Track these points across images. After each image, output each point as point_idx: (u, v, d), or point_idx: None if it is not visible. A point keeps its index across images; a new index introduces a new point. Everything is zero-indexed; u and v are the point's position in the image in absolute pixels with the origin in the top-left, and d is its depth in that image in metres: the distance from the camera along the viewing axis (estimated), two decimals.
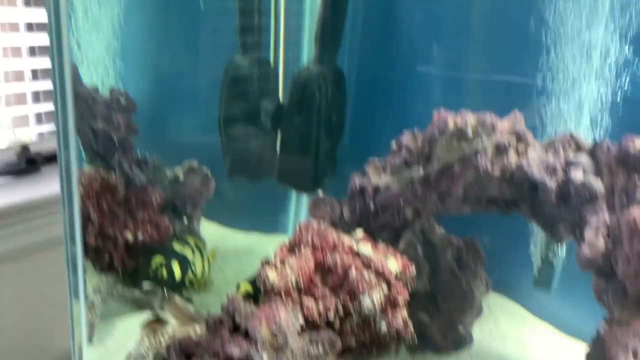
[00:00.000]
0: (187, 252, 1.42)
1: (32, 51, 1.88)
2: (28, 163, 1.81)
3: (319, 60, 1.39)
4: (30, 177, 1.80)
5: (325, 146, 1.44)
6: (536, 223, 1.18)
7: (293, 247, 1.08)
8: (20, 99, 1.89)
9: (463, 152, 1.01)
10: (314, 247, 1.06)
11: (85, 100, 1.41)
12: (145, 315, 1.24)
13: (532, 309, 1.44)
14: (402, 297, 1.05)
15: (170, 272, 1.34)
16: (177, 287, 1.35)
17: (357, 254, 1.07)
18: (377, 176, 1.16)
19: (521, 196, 1.08)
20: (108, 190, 1.36)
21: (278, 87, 1.49)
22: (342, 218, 1.20)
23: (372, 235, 1.17)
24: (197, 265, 1.42)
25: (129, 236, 1.33)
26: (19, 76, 1.88)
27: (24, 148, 1.81)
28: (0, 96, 1.77)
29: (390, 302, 1.04)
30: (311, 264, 1.04)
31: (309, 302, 1.01)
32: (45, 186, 1.75)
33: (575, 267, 1.35)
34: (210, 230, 1.66)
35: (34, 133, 1.95)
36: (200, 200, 1.49)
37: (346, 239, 1.09)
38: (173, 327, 1.08)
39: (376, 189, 1.14)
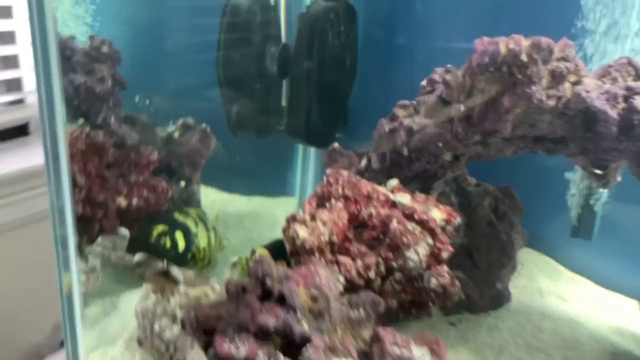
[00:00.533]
0: (190, 224, 1.26)
1: None
2: None
3: None
4: None
5: (339, 94, 1.30)
6: (583, 164, 1.07)
7: (322, 200, 0.94)
8: None
9: (515, 80, 0.88)
10: (345, 199, 0.93)
11: (61, 49, 1.22)
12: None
13: (565, 263, 1.35)
14: (447, 250, 0.93)
15: (174, 242, 1.19)
16: (179, 260, 1.20)
17: (394, 205, 0.94)
18: (409, 118, 1.03)
19: (573, 131, 0.96)
20: (95, 151, 1.19)
21: (280, 28, 1.33)
22: (369, 167, 1.07)
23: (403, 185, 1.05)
24: (201, 239, 1.26)
25: (122, 202, 1.17)
26: None
27: None
28: None
29: (435, 256, 0.92)
30: (345, 218, 0.91)
31: (345, 260, 0.88)
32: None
33: (616, 216, 1.26)
34: (208, 196, 1.51)
35: None
36: (200, 160, 1.33)
37: (381, 189, 0.96)
38: (185, 288, 0.93)
39: (409, 132, 1.01)
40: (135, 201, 1.18)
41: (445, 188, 1.11)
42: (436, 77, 1.05)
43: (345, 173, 0.96)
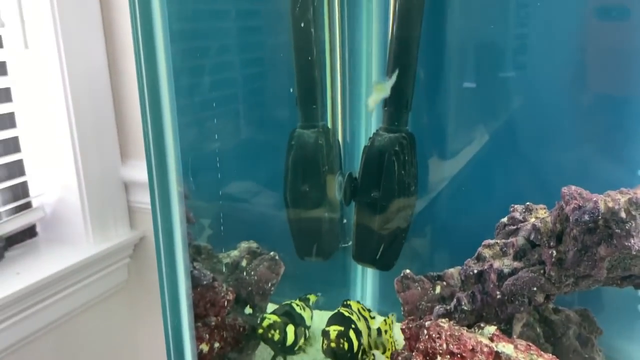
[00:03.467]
0: None
1: None
2: None
3: (390, 126, 1.27)
4: None
5: (403, 219, 1.32)
6: None
7: (427, 358, 0.94)
8: None
9: (612, 233, 0.91)
10: (451, 355, 0.93)
11: None
12: None
13: None
14: None
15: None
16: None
17: (499, 356, 0.94)
18: (497, 260, 1.05)
19: None
20: None
21: (341, 157, 1.37)
22: (458, 308, 1.07)
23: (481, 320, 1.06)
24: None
25: (204, 348, 1.16)
26: None
27: None
28: None
29: None
30: None
31: None
32: (12, 277, 1.49)
33: None
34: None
35: None
36: (269, 288, 1.33)
37: (483, 339, 0.96)
38: None
39: (500, 274, 1.02)
40: (216, 345, 1.16)
41: (528, 318, 1.12)
42: (517, 215, 1.08)
43: (445, 326, 0.97)
